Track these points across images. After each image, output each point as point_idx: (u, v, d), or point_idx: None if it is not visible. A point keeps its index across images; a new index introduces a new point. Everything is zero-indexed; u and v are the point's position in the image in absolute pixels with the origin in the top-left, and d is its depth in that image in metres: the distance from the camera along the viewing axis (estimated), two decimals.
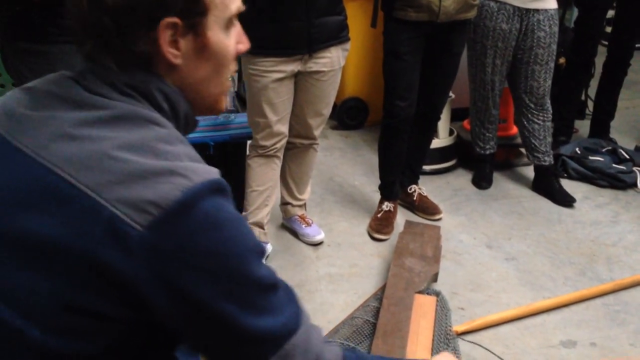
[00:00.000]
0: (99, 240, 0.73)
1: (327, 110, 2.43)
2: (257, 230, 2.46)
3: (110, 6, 0.79)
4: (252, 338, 0.79)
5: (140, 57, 0.83)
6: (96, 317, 0.76)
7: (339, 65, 2.31)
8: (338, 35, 2.25)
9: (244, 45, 0.93)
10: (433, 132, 2.94)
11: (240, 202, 2.77)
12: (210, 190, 0.76)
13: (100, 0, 0.79)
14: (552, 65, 2.92)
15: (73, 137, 0.78)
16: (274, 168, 2.42)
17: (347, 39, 2.31)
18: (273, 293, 0.82)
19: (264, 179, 2.41)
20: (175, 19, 0.81)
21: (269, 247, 2.50)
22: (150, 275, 0.74)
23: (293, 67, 2.21)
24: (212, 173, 0.79)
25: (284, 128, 2.34)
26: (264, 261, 0.84)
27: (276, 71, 2.18)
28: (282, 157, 2.44)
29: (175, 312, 0.77)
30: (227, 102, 0.94)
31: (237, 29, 0.92)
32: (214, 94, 0.92)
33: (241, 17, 2.44)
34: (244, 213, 2.47)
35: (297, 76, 2.26)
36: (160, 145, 0.79)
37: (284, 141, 2.38)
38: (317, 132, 2.48)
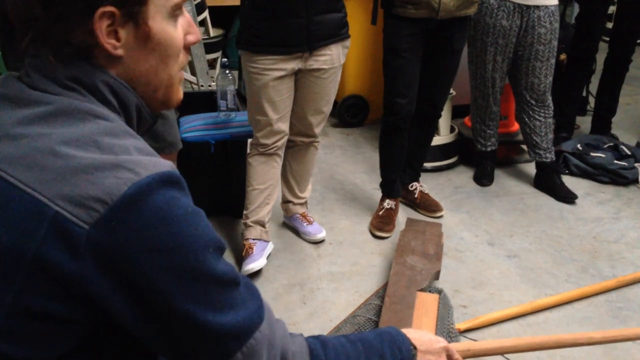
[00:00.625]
0: (43, 240, 0.70)
1: (328, 108, 2.42)
2: (258, 229, 2.45)
3: None
4: (214, 335, 0.77)
5: (79, 48, 0.80)
6: (49, 321, 0.73)
7: (339, 63, 2.31)
8: (338, 32, 2.24)
9: (194, 36, 0.90)
10: (434, 130, 2.93)
11: (241, 200, 2.77)
12: (161, 183, 0.73)
13: None
14: (553, 61, 2.91)
15: (13, 136, 0.75)
16: (275, 166, 2.41)
17: (347, 37, 2.30)
18: (233, 288, 0.80)
19: (265, 178, 2.40)
20: (111, 8, 0.78)
21: (270, 246, 2.49)
22: (100, 274, 0.71)
23: (293, 65, 2.20)
24: (163, 166, 0.76)
25: (284, 126, 2.33)
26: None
27: (276, 69, 2.18)
28: (282, 155, 2.44)
29: (130, 312, 0.74)
30: (181, 94, 0.91)
31: (185, 19, 0.89)
32: (164, 85, 0.88)
33: (241, 14, 2.44)
34: (244, 212, 2.46)
35: (297, 74, 2.26)
36: (105, 139, 0.75)
37: (284, 139, 2.37)
38: (317, 130, 2.47)
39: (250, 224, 2.44)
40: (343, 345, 0.98)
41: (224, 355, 0.79)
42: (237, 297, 0.80)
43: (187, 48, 0.90)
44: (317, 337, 0.97)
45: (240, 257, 2.53)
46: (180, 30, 0.88)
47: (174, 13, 0.86)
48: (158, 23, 0.83)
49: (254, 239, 2.43)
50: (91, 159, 0.73)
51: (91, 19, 0.78)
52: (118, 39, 0.81)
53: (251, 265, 2.35)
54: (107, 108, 0.81)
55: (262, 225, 2.46)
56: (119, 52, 0.82)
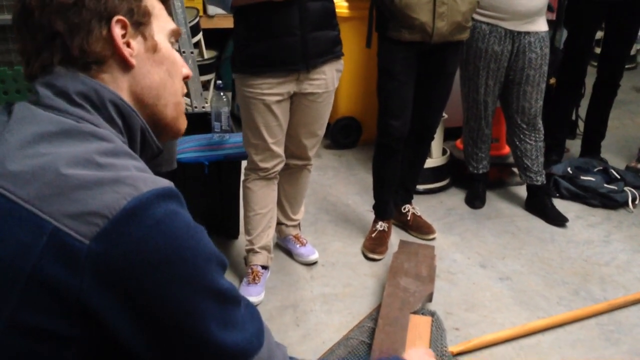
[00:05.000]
0: (41, 255, 0.70)
1: (322, 131, 2.43)
2: (265, 255, 2.44)
3: (59, 6, 0.82)
4: (213, 352, 0.76)
5: (96, 58, 0.84)
6: (48, 339, 0.72)
7: (333, 87, 2.32)
8: (333, 49, 2.26)
9: (187, 70, 0.96)
10: (427, 152, 2.95)
11: (234, 221, 2.77)
12: (161, 198, 0.74)
13: (48, 4, 0.82)
14: (543, 86, 2.95)
15: (16, 156, 0.76)
16: (274, 189, 2.42)
17: (341, 55, 2.32)
18: (235, 307, 0.80)
19: (267, 201, 2.39)
20: (124, 18, 0.85)
21: (267, 274, 2.48)
22: (100, 289, 0.71)
23: (289, 88, 2.21)
24: (163, 182, 0.77)
25: (280, 150, 2.33)
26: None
27: (273, 94, 2.18)
28: (278, 178, 2.44)
29: (129, 326, 0.73)
30: (185, 122, 0.96)
31: (178, 53, 0.95)
32: (172, 102, 0.92)
33: (234, 37, 2.45)
34: (247, 237, 2.44)
35: (292, 97, 2.27)
36: (104, 159, 0.76)
37: (283, 163, 2.38)
38: (311, 153, 2.48)
39: (258, 249, 2.42)
40: None
41: None
42: (238, 316, 0.80)
43: (182, 79, 0.95)
44: None
45: (234, 279, 2.52)
46: (178, 55, 0.94)
47: (171, 39, 0.93)
48: (162, 39, 0.91)
49: (262, 266, 2.43)
50: (91, 175, 0.73)
51: (108, 26, 0.84)
52: (132, 49, 0.86)
53: (252, 299, 2.33)
54: (111, 127, 0.84)
55: (269, 251, 2.46)
56: (133, 61, 0.86)
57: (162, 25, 0.91)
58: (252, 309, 0.84)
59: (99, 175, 0.74)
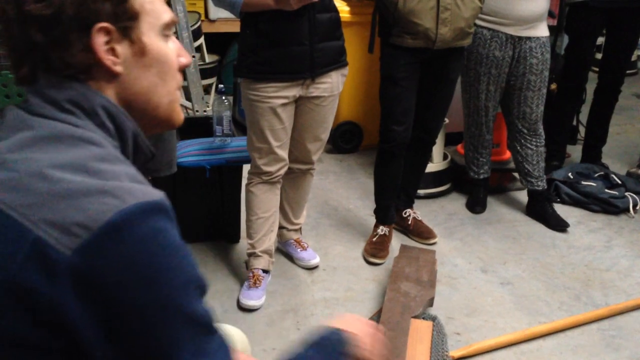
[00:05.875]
0: (22, 264, 0.69)
1: (326, 135, 2.44)
2: (267, 259, 2.44)
3: (36, 18, 0.78)
4: None
5: (79, 68, 0.81)
6: (32, 351, 0.71)
7: (337, 91, 2.33)
8: (339, 59, 2.27)
9: (186, 58, 0.91)
10: (429, 157, 2.96)
11: (235, 225, 2.77)
12: (148, 212, 0.71)
13: (25, 15, 0.78)
14: (544, 91, 2.96)
15: (4, 161, 0.75)
16: (277, 193, 2.42)
17: (346, 63, 2.34)
18: (209, 335, 0.77)
19: (269, 205, 2.40)
20: (106, 24, 0.80)
21: (269, 277, 2.48)
22: (77, 301, 0.69)
23: (295, 92, 2.21)
24: (152, 195, 0.74)
25: (284, 154, 2.34)
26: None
27: (279, 97, 2.19)
28: (281, 182, 2.44)
29: (103, 344, 0.71)
30: (182, 115, 0.94)
31: (175, 42, 0.90)
32: (164, 103, 0.89)
33: (241, 42, 2.44)
34: (249, 241, 2.45)
35: (297, 101, 2.28)
36: (95, 164, 0.74)
37: (286, 167, 2.38)
38: (315, 157, 2.48)
39: (259, 253, 2.42)
40: None
41: None
42: (210, 345, 0.77)
43: (181, 70, 0.91)
44: None
45: (235, 283, 2.52)
46: (172, 49, 0.89)
47: (165, 33, 0.87)
48: (152, 40, 0.85)
49: (263, 270, 2.43)
50: (78, 184, 0.72)
51: (89, 35, 0.79)
52: (117, 56, 0.82)
53: (253, 302, 2.34)
54: (102, 132, 0.81)
55: (270, 255, 2.46)
56: (118, 68, 0.83)
57: (153, 21, 0.85)
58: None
59: (86, 183, 0.72)
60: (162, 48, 0.87)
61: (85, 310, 0.69)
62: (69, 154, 0.75)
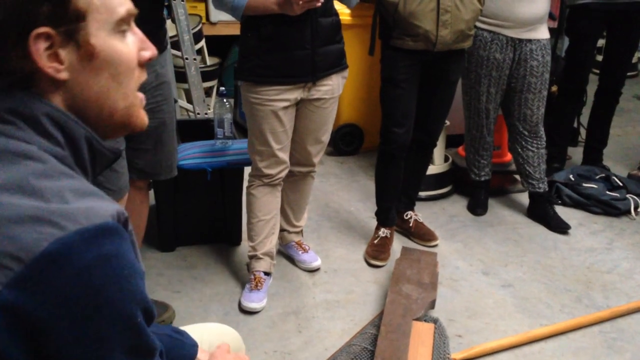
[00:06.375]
0: None
1: (326, 138, 2.44)
2: (268, 261, 2.44)
3: None
4: None
5: (19, 76, 0.74)
6: None
7: (338, 93, 2.33)
8: (339, 62, 2.28)
9: (149, 51, 0.84)
10: (429, 159, 2.96)
11: (236, 228, 2.78)
12: (92, 239, 0.65)
13: None
14: (545, 93, 2.96)
15: None
16: (277, 196, 2.42)
17: (346, 66, 2.34)
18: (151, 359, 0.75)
19: (270, 208, 2.40)
20: (47, 29, 0.72)
21: (269, 280, 2.48)
22: (11, 340, 0.63)
23: (296, 95, 2.22)
24: (97, 216, 0.67)
25: (286, 157, 2.34)
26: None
27: (280, 100, 2.19)
28: (282, 184, 2.44)
29: None
30: (145, 117, 0.86)
31: (136, 34, 0.83)
32: (120, 108, 0.81)
33: (242, 45, 2.44)
34: (251, 243, 2.45)
35: (298, 104, 2.28)
36: (33, 182, 0.68)
37: (287, 170, 2.38)
38: (316, 160, 2.48)
39: (261, 256, 2.42)
40: None
41: None
42: None
43: (143, 65, 0.84)
44: None
45: (236, 285, 2.52)
46: (131, 45, 0.81)
47: (120, 28, 0.79)
48: (102, 40, 0.77)
49: (264, 273, 2.43)
50: (11, 209, 0.66)
51: (26, 42, 0.72)
52: (60, 62, 0.75)
53: (254, 305, 2.35)
54: (48, 142, 0.74)
55: (272, 257, 2.46)
56: (63, 75, 0.76)
57: (104, 18, 0.77)
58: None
59: (21, 209, 0.66)
60: (115, 48, 0.78)
61: (21, 350, 0.64)
62: (5, 173, 0.69)
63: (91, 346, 0.67)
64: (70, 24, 0.74)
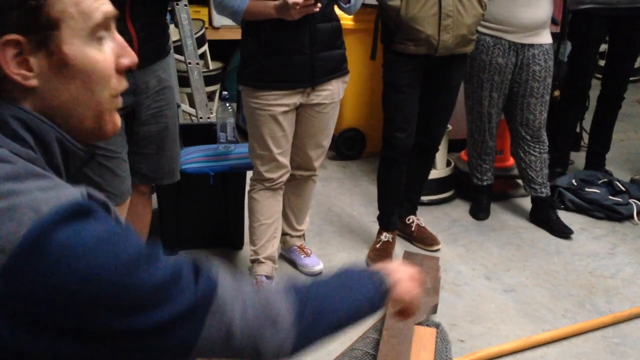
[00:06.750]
0: None
1: (327, 142, 2.44)
2: (270, 265, 2.44)
3: None
4: (159, 337, 0.70)
5: None
6: None
7: (339, 98, 2.34)
8: (339, 68, 2.29)
9: (128, 58, 0.82)
10: (431, 163, 2.96)
11: (239, 232, 2.78)
12: (65, 217, 0.65)
13: None
14: (547, 98, 2.96)
15: None
16: (279, 200, 2.42)
17: (347, 72, 2.35)
18: (176, 284, 0.72)
19: (272, 212, 2.40)
20: (16, 36, 0.71)
21: (271, 284, 2.48)
22: (17, 332, 0.64)
23: (296, 100, 2.23)
24: (68, 195, 0.68)
25: (286, 161, 2.35)
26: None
27: (279, 104, 2.20)
28: (283, 188, 2.45)
29: (70, 354, 0.66)
30: (117, 122, 0.85)
31: (116, 41, 0.81)
32: (90, 116, 0.80)
33: (242, 50, 2.44)
34: (252, 247, 2.44)
35: (298, 108, 2.28)
36: (3, 186, 0.67)
37: (288, 174, 2.39)
38: (317, 164, 2.49)
39: (263, 260, 2.42)
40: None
41: (191, 333, 0.73)
42: (180, 287, 0.73)
43: (121, 72, 0.82)
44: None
45: None
46: (108, 53, 0.79)
47: (97, 35, 0.77)
48: (76, 48, 0.75)
49: (266, 277, 2.43)
50: None
51: None
52: (30, 69, 0.74)
53: None
54: (17, 144, 0.73)
55: (274, 261, 2.46)
56: (32, 82, 0.74)
57: (79, 25, 0.75)
58: (192, 266, 0.76)
59: None
60: (90, 56, 0.77)
61: (28, 338, 0.65)
62: None
63: (105, 307, 0.67)
64: (41, 32, 0.73)
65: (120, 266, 0.67)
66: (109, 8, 0.78)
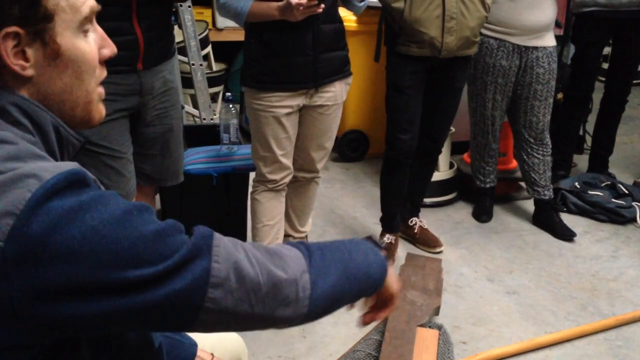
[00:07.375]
0: None
1: (330, 144, 2.45)
2: None
3: None
4: (167, 295, 0.73)
5: None
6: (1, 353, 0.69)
7: (341, 100, 2.34)
8: (342, 69, 2.29)
9: (109, 49, 0.89)
10: (434, 165, 2.97)
11: (242, 233, 2.78)
12: (66, 183, 0.71)
13: None
14: (551, 100, 2.96)
15: None
16: (282, 201, 2.43)
17: (350, 74, 2.35)
18: (175, 229, 0.77)
19: (274, 213, 2.41)
20: (15, 29, 0.77)
21: None
22: (28, 289, 0.67)
23: (299, 101, 2.23)
24: (66, 166, 0.73)
25: (289, 162, 2.35)
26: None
27: (282, 106, 2.20)
28: (286, 189, 2.45)
29: (80, 319, 0.70)
30: (102, 111, 0.91)
31: (98, 33, 0.87)
32: (81, 103, 0.86)
33: (245, 51, 2.44)
34: None
35: (301, 110, 2.29)
36: (7, 164, 0.72)
37: (291, 175, 2.39)
38: (320, 166, 2.49)
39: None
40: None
41: (200, 285, 0.75)
42: (180, 234, 0.77)
43: (102, 62, 0.88)
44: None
45: None
46: (93, 44, 0.86)
47: (84, 28, 0.84)
48: (67, 39, 0.82)
49: None
50: None
51: None
52: (26, 59, 0.80)
53: None
54: (17, 130, 0.79)
55: None
56: (29, 72, 0.80)
57: (70, 18, 0.81)
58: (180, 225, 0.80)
59: (3, 177, 0.71)
60: (79, 47, 0.83)
61: (42, 297, 0.68)
62: None
63: (114, 255, 0.70)
64: (38, 25, 0.79)
65: (118, 218, 0.72)
66: (93, 3, 0.85)
